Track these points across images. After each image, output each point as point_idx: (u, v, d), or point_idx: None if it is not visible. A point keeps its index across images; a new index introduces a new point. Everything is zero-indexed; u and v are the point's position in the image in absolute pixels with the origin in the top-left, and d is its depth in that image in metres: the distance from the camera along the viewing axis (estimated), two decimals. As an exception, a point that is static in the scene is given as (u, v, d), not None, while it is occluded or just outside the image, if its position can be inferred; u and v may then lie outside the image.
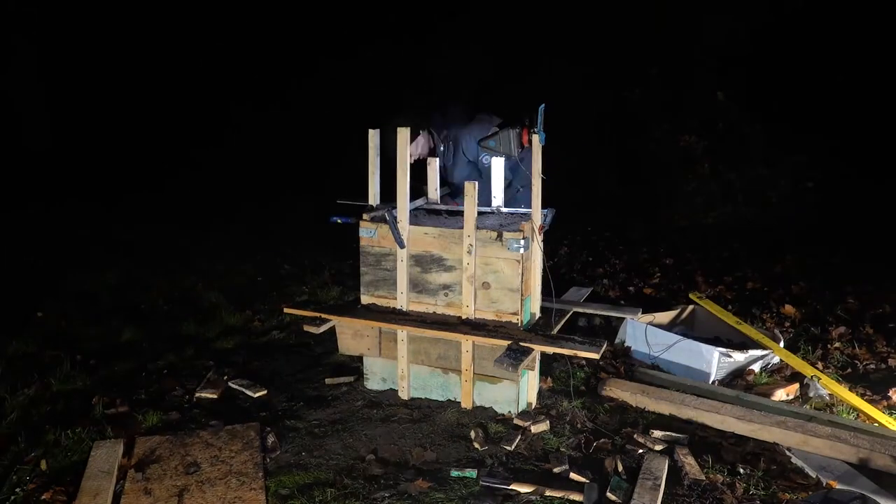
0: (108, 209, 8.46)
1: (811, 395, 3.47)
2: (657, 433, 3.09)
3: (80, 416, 3.28)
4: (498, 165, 3.54)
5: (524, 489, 2.65)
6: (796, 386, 3.60)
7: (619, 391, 3.49)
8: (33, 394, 3.53)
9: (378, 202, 3.60)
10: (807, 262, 6.19)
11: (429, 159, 3.73)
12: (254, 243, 6.96)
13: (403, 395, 3.49)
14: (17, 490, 2.69)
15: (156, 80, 11.35)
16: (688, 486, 2.68)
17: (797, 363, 3.72)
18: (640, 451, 2.93)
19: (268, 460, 2.93)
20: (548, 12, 9.88)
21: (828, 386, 3.47)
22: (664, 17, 8.81)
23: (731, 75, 8.44)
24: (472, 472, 2.78)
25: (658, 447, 2.95)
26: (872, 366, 3.95)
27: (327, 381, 3.71)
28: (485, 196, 3.55)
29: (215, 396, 3.55)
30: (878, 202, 7.62)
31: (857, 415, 3.30)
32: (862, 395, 3.53)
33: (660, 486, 2.62)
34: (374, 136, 3.46)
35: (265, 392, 3.59)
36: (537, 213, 3.33)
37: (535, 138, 3.23)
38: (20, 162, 9.75)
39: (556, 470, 2.80)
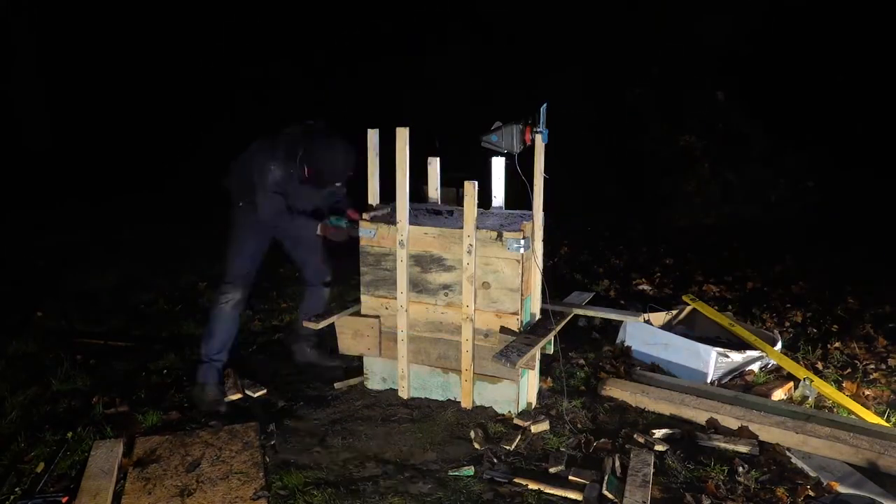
0: (109, 209, 8.46)
1: (807, 395, 3.46)
2: (657, 433, 3.09)
3: (80, 416, 3.28)
4: (498, 164, 3.54)
5: (526, 482, 2.66)
6: (791, 385, 3.60)
7: (619, 391, 3.49)
8: (33, 394, 3.53)
9: (378, 202, 3.61)
10: (807, 262, 6.19)
11: (429, 159, 3.72)
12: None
13: (403, 395, 3.49)
14: (17, 489, 2.69)
15: (156, 80, 11.35)
16: (685, 485, 2.69)
17: (790, 365, 3.71)
18: (642, 450, 2.93)
19: (267, 460, 2.93)
20: (548, 13, 9.88)
21: (820, 388, 3.47)
22: (664, 17, 8.81)
23: (731, 75, 8.44)
24: (468, 470, 2.79)
25: (659, 447, 2.96)
26: (872, 365, 3.95)
27: (336, 385, 3.68)
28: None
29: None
30: (878, 202, 7.63)
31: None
32: (863, 395, 3.54)
33: (648, 482, 2.63)
34: (373, 136, 3.46)
35: (265, 392, 3.59)
36: (539, 213, 3.32)
37: (538, 137, 3.22)
38: (20, 162, 9.75)
39: (552, 470, 2.81)
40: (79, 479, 2.73)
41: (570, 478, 2.73)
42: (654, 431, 3.10)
